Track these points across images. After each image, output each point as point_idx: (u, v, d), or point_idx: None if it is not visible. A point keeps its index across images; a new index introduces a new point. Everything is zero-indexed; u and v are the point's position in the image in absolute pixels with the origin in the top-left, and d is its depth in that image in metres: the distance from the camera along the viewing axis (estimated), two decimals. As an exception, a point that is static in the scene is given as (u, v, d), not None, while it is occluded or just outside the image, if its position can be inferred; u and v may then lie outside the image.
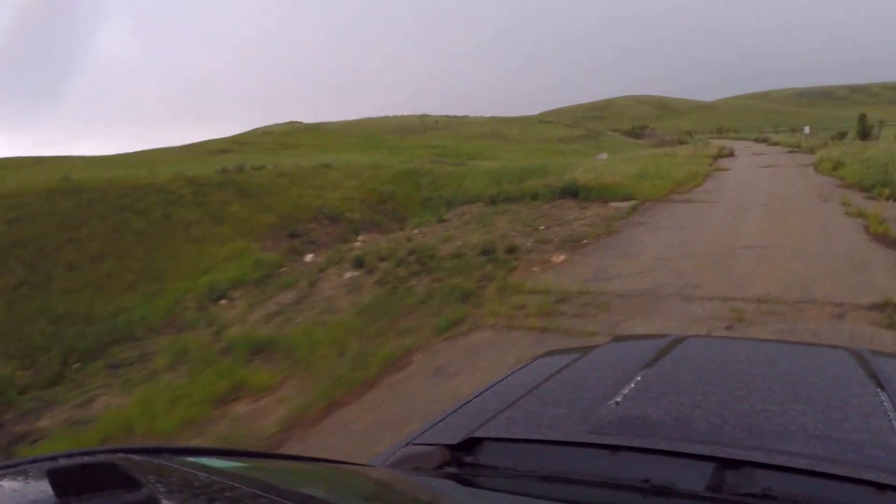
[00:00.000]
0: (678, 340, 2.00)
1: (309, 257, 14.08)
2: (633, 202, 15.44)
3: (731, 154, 33.11)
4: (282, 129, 57.51)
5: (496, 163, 30.99)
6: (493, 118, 71.54)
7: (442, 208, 18.44)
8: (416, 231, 15.27)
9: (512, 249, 10.94)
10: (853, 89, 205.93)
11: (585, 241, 11.55)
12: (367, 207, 19.79)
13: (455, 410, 1.61)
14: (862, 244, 9.52)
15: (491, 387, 1.80)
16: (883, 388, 1.45)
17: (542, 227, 13.03)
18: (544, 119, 79.72)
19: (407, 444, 1.47)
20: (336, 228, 17.65)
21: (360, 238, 16.02)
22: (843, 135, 52.88)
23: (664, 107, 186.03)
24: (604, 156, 31.78)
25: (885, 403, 1.36)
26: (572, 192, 16.94)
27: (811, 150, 31.17)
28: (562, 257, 10.69)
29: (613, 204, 15.54)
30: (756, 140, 53.91)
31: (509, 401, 1.55)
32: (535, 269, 9.98)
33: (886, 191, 13.94)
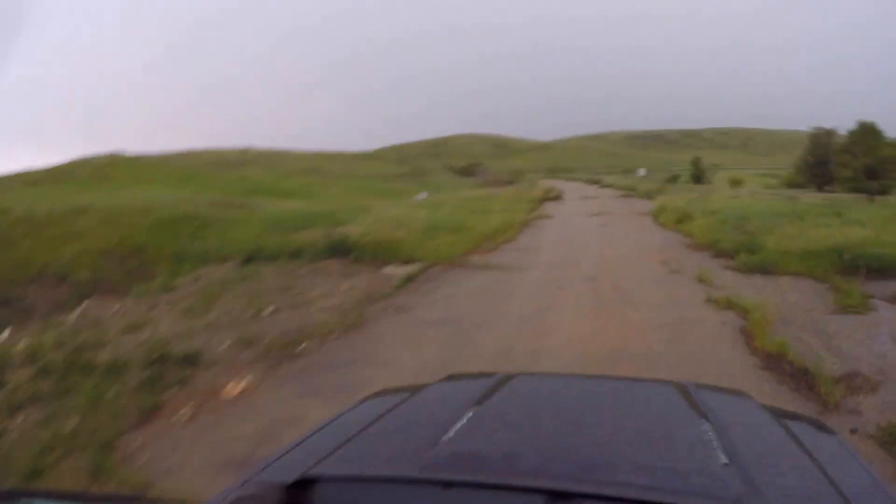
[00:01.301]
0: (508, 378, 2.14)
1: (5, 334, 10.14)
2: (414, 267, 12.10)
3: (559, 197, 31.10)
4: (101, 160, 52.14)
5: (297, 204, 27.28)
6: (317, 153, 70.22)
7: (187, 267, 14.84)
8: (117, 307, 11.41)
9: (191, 358, 7.44)
10: (685, 134, 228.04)
11: (305, 345, 7.73)
12: (111, 263, 16.60)
13: (291, 449, 1.68)
14: (748, 376, 5.86)
15: (325, 426, 1.87)
16: (706, 419, 1.65)
17: (269, 310, 9.62)
18: (372, 155, 79.17)
19: (243, 482, 1.52)
20: (61, 292, 14.91)
21: (83, 305, 12.42)
22: (676, 177, 54.48)
23: (501, 146, 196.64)
24: (423, 195, 32.83)
25: (709, 433, 1.53)
26: (344, 250, 13.43)
27: (648, 195, 29.92)
28: (242, 384, 6.56)
29: (389, 269, 12.20)
30: (589, 181, 54.26)
31: (343, 439, 1.63)
32: (183, 410, 6.12)
33: (755, 258, 11.13)
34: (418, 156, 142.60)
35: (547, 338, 7.28)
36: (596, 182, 51.04)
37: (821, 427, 2.08)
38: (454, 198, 29.38)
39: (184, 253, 16.64)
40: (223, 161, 58.12)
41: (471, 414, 1.69)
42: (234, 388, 6.49)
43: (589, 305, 8.63)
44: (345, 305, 9.37)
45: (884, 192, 40.36)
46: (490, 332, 7.67)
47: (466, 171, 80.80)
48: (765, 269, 10.71)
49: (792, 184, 63.83)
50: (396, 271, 11.76)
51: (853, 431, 4.60)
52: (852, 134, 49.41)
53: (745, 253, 11.71)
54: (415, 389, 2.19)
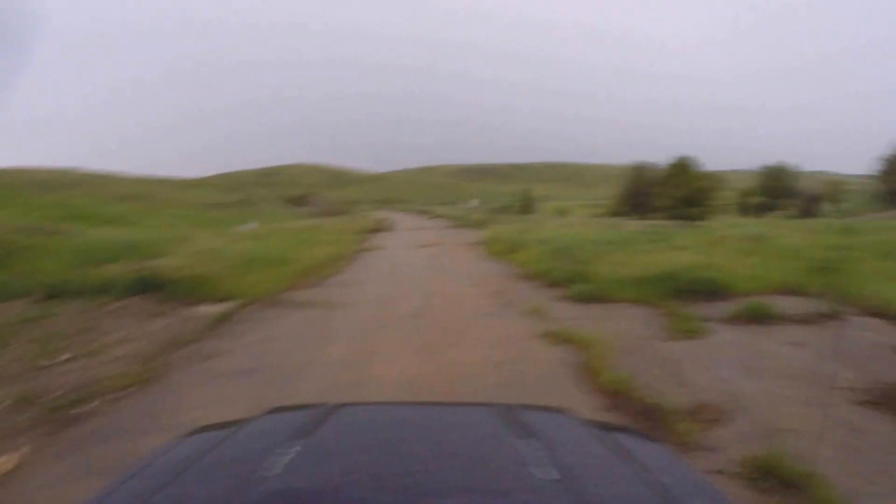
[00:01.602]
0: (334, 408, 2.16)
1: None
2: (230, 305, 10.80)
3: (390, 228, 30.60)
4: None
5: (117, 232, 24.14)
6: (145, 178, 65.71)
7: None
8: None
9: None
10: (516, 167, 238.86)
11: (95, 404, 6.36)
12: None
13: (103, 496, 1.58)
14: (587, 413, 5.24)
15: (140, 468, 1.77)
16: (534, 437, 1.73)
17: (62, 358, 7.99)
18: (202, 183, 75.44)
19: None
20: None
21: None
22: (506, 208, 56.16)
23: (336, 176, 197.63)
24: (252, 225, 31.60)
25: (537, 451, 1.59)
26: (156, 286, 11.85)
27: (479, 226, 30.05)
28: (14, 460, 5.13)
29: (202, 308, 10.76)
30: (421, 212, 54.46)
31: (162, 481, 1.58)
32: None
33: (588, 287, 10.91)
34: (251, 184, 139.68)
35: (369, 386, 6.37)
36: (427, 213, 51.28)
37: (644, 436, 2.18)
38: (283, 228, 27.97)
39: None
40: (47, 183, 54.15)
41: (297, 448, 1.67)
42: (3, 465, 5.02)
43: (417, 346, 7.79)
44: (148, 352, 8.02)
45: (701, 217, 43.64)
46: (306, 382, 6.63)
47: (299, 201, 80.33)
48: (599, 298, 10.51)
49: (615, 213, 68.37)
50: (210, 310, 10.45)
51: (719, 472, 4.18)
52: (671, 167, 53.58)
53: (578, 282, 11.48)
54: (237, 424, 2.13)
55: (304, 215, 54.82)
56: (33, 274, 13.64)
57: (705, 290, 10.64)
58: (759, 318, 8.84)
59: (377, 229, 29.54)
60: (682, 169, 48.41)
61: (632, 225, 31.09)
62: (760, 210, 67.32)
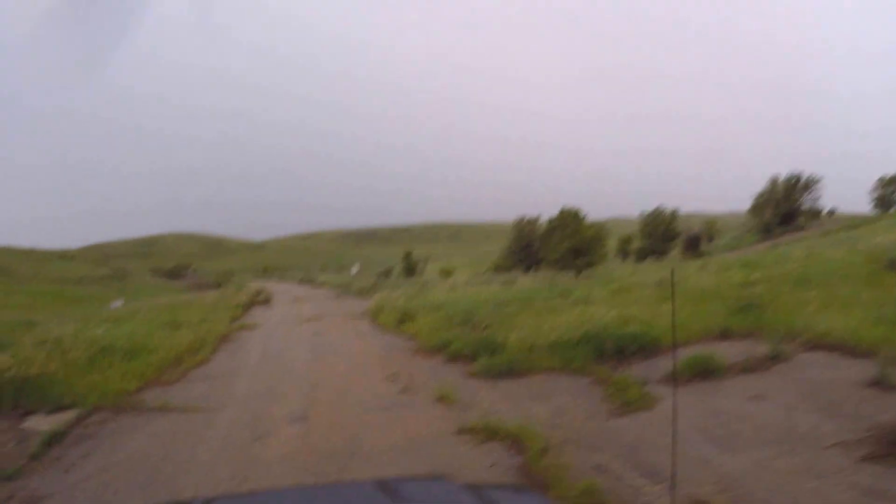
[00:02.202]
0: (208, 501, 2.04)
1: None
2: (68, 416, 8.49)
3: (268, 301, 28.21)
4: None
5: None
6: (5, 249, 59.24)
7: None
8: None
9: None
10: (396, 230, 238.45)
11: None
12: None
13: None
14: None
15: None
16: None
17: None
18: (71, 255, 69.57)
19: None
20: None
21: None
22: (389, 271, 54.90)
23: (214, 245, 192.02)
24: (119, 303, 30.18)
25: None
26: None
27: (363, 293, 28.35)
28: None
29: (32, 420, 8.43)
30: (302, 281, 52.16)
31: None
32: None
33: (499, 359, 9.42)
34: (125, 256, 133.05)
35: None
36: (309, 281, 49.00)
37: (522, 489, 2.57)
38: (151, 305, 25.19)
39: None
40: None
41: None
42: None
43: (301, 465, 5.91)
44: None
45: (589, 266, 43.67)
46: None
47: (174, 274, 77.10)
48: (515, 371, 9.09)
49: (500, 268, 68.22)
50: (41, 424, 8.12)
51: None
52: (557, 218, 53.98)
53: (486, 353, 9.97)
54: None
55: (177, 289, 52.35)
56: None
57: (632, 346, 9.53)
58: (702, 372, 7.83)
59: (254, 302, 27.11)
60: (568, 220, 48.72)
61: (525, 280, 30.25)
62: (643, 255, 68.89)
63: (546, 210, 72.19)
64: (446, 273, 58.93)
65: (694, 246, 68.77)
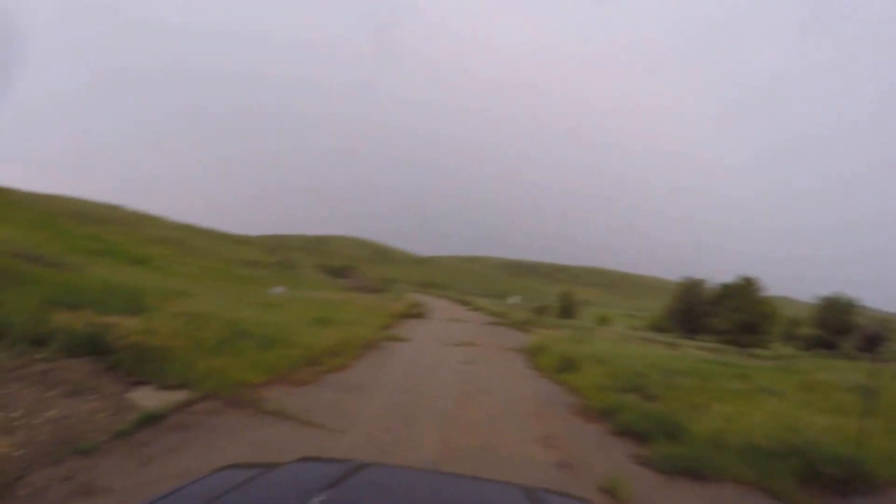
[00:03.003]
0: (362, 466, 2.19)
1: None
2: (176, 396, 7.61)
3: (422, 315, 27.19)
4: None
5: (128, 275, 21.52)
6: (185, 225, 63.71)
7: None
8: None
9: None
10: (557, 268, 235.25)
11: None
12: None
13: None
14: None
15: (168, 496, 1.74)
16: None
17: None
18: (245, 240, 73.53)
19: None
20: None
21: None
22: (544, 308, 52.80)
23: (381, 253, 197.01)
24: (280, 290, 29.53)
25: None
26: (102, 349, 8.71)
27: (520, 326, 26.60)
28: None
29: (141, 392, 7.63)
30: (460, 301, 51.22)
31: None
32: None
33: (680, 451, 7.42)
34: (297, 249, 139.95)
35: None
36: (466, 303, 47.88)
37: None
38: (310, 298, 24.94)
39: None
40: (85, 214, 50.92)
41: (322, 498, 1.63)
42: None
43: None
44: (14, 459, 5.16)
45: (757, 346, 39.54)
46: None
47: (338, 272, 77.35)
48: (697, 472, 6.96)
49: (657, 327, 64.21)
50: (146, 399, 7.29)
51: None
52: (731, 286, 49.95)
53: (661, 437, 7.97)
54: (267, 467, 2.09)
55: (339, 287, 52.20)
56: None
57: (840, 472, 7.04)
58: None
59: (409, 314, 26.20)
60: (743, 290, 44.61)
61: (690, 348, 27.44)
62: (811, 344, 61.61)
63: (711, 275, 66.96)
64: (602, 320, 56.10)
65: (872, 345, 60.06)
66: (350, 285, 58.08)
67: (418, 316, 26.49)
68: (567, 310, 59.58)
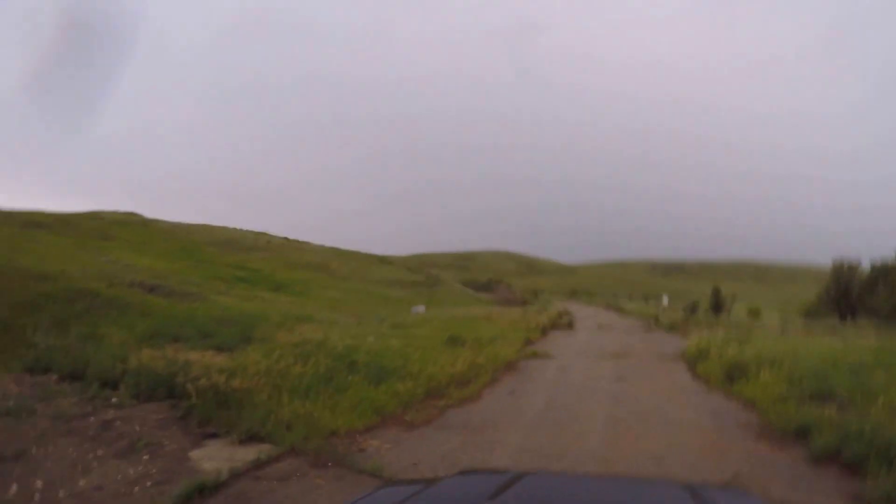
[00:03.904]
0: (522, 475, 2.00)
1: None
2: (249, 453, 6.02)
3: (570, 325, 24.82)
4: (115, 216, 50.51)
5: (237, 304, 21.08)
6: (330, 249, 64.91)
7: None
8: None
9: None
10: (703, 265, 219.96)
11: None
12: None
13: None
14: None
15: None
16: None
17: None
18: (388, 259, 73.77)
19: None
20: None
21: None
22: (695, 306, 48.09)
23: (528, 265, 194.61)
24: (421, 308, 28.46)
25: None
26: (177, 392, 7.53)
27: (673, 328, 23.58)
28: None
29: (208, 449, 6.19)
30: (608, 307, 48.01)
31: None
32: None
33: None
34: (444, 267, 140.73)
35: None
36: (616, 308, 44.62)
37: None
38: (446, 316, 23.43)
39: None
40: (232, 242, 52.55)
41: None
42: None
43: None
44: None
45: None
46: None
47: (483, 286, 74.21)
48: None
49: (810, 314, 57.39)
50: (211, 458, 5.81)
51: None
52: (891, 264, 43.33)
53: (879, 464, 5.50)
54: (428, 483, 2.00)
55: (484, 301, 50.36)
56: (85, 343, 9.89)
57: None
58: None
59: (556, 325, 23.97)
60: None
61: (856, 336, 23.11)
62: None
63: (863, 255, 58.50)
64: (754, 313, 50.83)
65: None
66: (495, 299, 55.90)
67: (565, 326, 24.21)
68: (717, 306, 54.32)
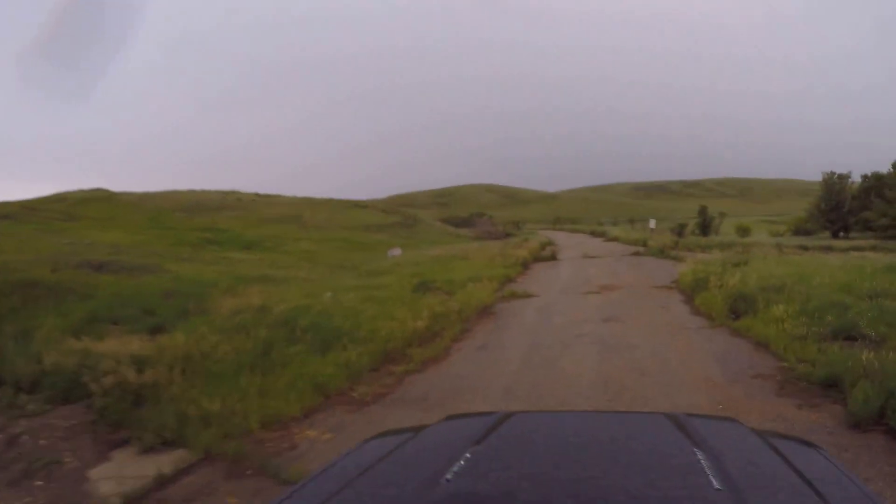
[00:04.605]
0: (507, 416, 2.04)
1: None
2: (158, 463, 4.73)
3: (554, 257, 23.57)
4: (80, 195, 49.28)
5: (215, 268, 19.74)
6: (303, 199, 62.91)
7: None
8: None
9: None
10: (686, 184, 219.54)
11: None
12: None
13: (292, 494, 1.57)
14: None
15: (324, 470, 1.75)
16: (699, 447, 1.55)
17: None
18: (366, 203, 72.15)
19: None
20: None
21: None
22: (682, 227, 47.56)
23: (510, 196, 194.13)
24: (397, 251, 27.52)
25: (702, 460, 1.44)
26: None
27: (663, 252, 22.48)
28: None
29: (108, 467, 4.79)
30: (593, 233, 46.99)
31: (342, 484, 1.54)
32: None
33: None
34: (425, 205, 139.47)
35: None
36: (601, 234, 43.54)
37: (809, 445, 1.95)
38: (420, 258, 22.29)
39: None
40: (199, 204, 51.50)
41: (469, 454, 1.56)
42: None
43: None
44: None
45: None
46: None
47: (463, 222, 72.41)
48: None
49: (801, 230, 57.02)
50: (116, 474, 4.67)
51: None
52: (886, 175, 42.47)
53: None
54: (416, 430, 2.01)
55: (464, 238, 49.34)
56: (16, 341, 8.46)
57: None
58: None
59: (538, 258, 22.70)
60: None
61: (858, 253, 22.24)
62: None
63: (851, 168, 58.00)
64: (743, 231, 50.38)
65: None
66: (476, 234, 54.63)
67: (548, 259, 22.91)
68: (705, 226, 53.55)
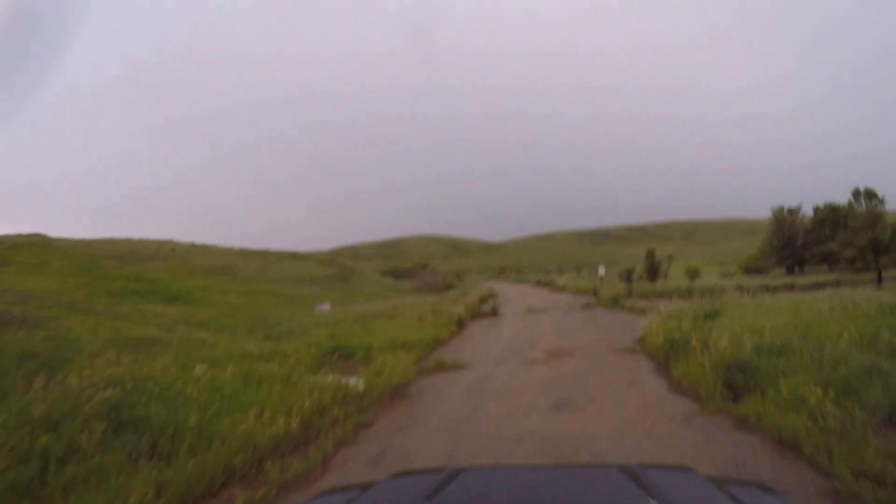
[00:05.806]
0: (457, 472, 2.02)
1: None
2: None
3: (493, 312, 21.16)
4: (15, 240, 48.83)
5: (113, 326, 17.00)
6: (238, 250, 62.27)
7: None
8: None
9: None
10: (631, 229, 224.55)
11: None
12: None
13: None
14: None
15: None
16: (654, 498, 1.54)
17: None
18: (305, 255, 70.93)
19: None
20: None
21: None
22: (630, 272, 46.21)
23: (454, 246, 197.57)
24: (326, 307, 27.47)
25: None
26: None
27: (616, 302, 20.47)
28: None
29: None
30: (539, 283, 45.10)
31: None
32: None
33: None
34: (370, 257, 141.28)
35: None
36: (547, 284, 41.65)
37: (766, 489, 1.98)
38: (348, 315, 19.99)
39: None
40: (133, 253, 50.63)
41: None
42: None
43: None
44: None
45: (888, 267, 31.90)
46: None
47: (405, 273, 71.56)
48: None
49: (753, 269, 56.82)
50: None
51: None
52: (841, 207, 42.14)
53: None
54: (364, 487, 2.00)
55: (402, 290, 48.41)
56: None
57: None
58: None
59: (477, 314, 20.30)
60: (853, 209, 36.69)
61: (832, 289, 20.73)
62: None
63: (799, 201, 58.47)
64: (692, 273, 49.49)
65: None
66: (416, 286, 53.61)
67: (489, 315, 20.49)
68: (654, 270, 52.60)
